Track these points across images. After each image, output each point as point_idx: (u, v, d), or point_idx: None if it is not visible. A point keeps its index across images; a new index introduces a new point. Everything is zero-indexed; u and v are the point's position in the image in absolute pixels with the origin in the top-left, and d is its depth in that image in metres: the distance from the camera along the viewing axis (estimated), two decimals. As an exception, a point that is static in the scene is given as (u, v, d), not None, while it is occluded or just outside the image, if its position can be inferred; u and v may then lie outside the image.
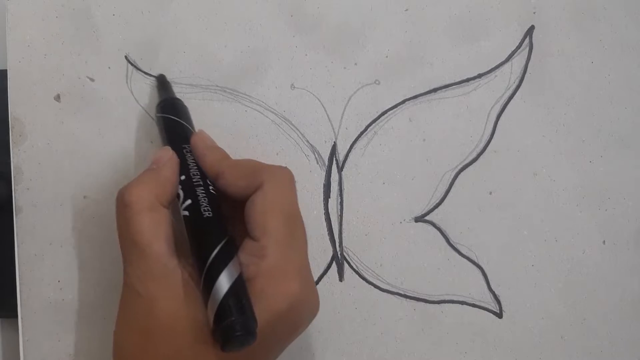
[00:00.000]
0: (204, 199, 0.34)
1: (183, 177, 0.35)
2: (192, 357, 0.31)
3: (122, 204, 0.33)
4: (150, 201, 0.33)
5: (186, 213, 0.34)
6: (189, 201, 0.34)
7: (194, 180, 0.35)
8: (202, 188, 0.34)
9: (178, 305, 0.32)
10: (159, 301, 0.32)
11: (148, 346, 0.32)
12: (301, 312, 0.34)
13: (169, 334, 0.31)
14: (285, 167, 0.36)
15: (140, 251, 0.32)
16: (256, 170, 0.35)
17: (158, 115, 0.39)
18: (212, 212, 0.33)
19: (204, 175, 0.35)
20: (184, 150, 0.36)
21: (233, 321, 0.29)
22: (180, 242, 0.34)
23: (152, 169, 0.35)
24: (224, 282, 0.30)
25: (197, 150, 0.36)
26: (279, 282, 0.32)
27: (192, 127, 0.39)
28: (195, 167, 0.35)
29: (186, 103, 0.41)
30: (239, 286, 0.31)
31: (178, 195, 0.35)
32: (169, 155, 0.36)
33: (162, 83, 0.41)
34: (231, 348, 0.30)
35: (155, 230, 0.32)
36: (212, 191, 0.35)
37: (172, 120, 0.38)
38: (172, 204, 0.35)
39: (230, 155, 0.41)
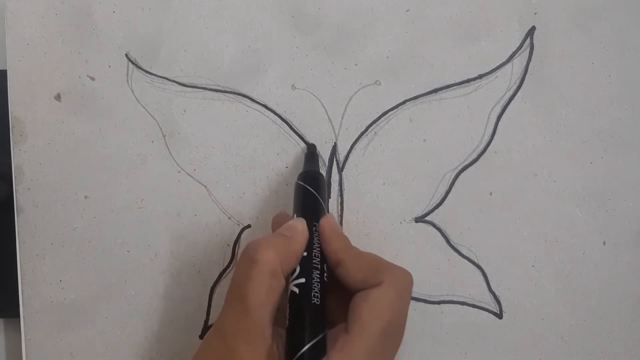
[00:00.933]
0: (317, 284, 0.34)
1: (305, 254, 0.35)
2: None
3: (250, 259, 0.33)
4: (275, 267, 0.33)
5: (296, 290, 0.34)
6: (302, 279, 0.34)
7: (313, 261, 0.35)
8: (318, 271, 0.35)
9: None
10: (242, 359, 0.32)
11: None
12: None
13: None
14: (407, 272, 0.35)
15: (248, 309, 0.32)
16: (378, 268, 0.35)
17: (300, 183, 0.38)
18: (319, 299, 0.34)
19: (323, 259, 0.36)
20: (314, 228, 0.36)
21: None
22: (279, 308, 0.34)
23: (286, 237, 0.35)
24: None
25: (324, 233, 0.36)
26: None
27: (327, 206, 0.39)
28: (318, 249, 0.36)
29: (187, 102, 0.42)
30: None
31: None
32: (302, 227, 0.36)
33: (312, 154, 0.41)
34: None
35: (269, 296, 0.33)
36: (325, 279, 0.35)
37: (311, 194, 0.38)
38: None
39: (231, 155, 0.42)
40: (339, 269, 0.35)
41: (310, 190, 0.38)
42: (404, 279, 0.35)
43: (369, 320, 0.33)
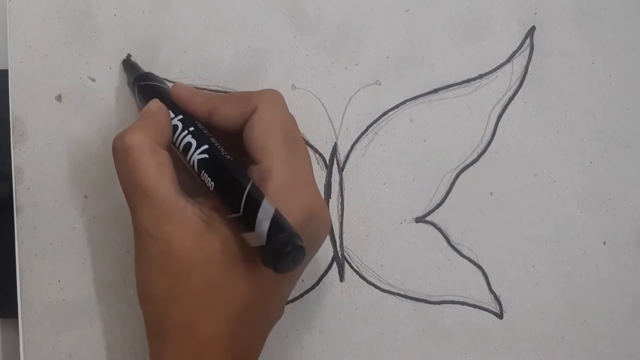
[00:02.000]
0: (219, 145, 0.34)
1: (192, 129, 0.35)
2: (225, 286, 0.32)
3: (122, 149, 0.33)
4: (151, 144, 0.33)
5: (205, 156, 0.33)
6: (205, 146, 0.34)
7: (202, 130, 0.35)
8: (212, 136, 0.35)
9: (198, 240, 0.32)
10: (177, 239, 0.32)
11: (177, 286, 0.32)
12: (317, 226, 0.34)
13: (195, 269, 0.32)
14: (274, 89, 0.36)
15: (149, 194, 0.32)
16: (248, 96, 0.35)
17: (138, 85, 0.38)
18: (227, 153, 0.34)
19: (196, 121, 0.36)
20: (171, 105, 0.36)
21: (285, 238, 0.30)
22: (183, 183, 0.34)
23: (145, 117, 0.35)
24: (268, 207, 0.30)
25: (182, 98, 0.36)
26: (290, 199, 0.32)
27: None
28: (192, 119, 0.36)
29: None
30: (276, 211, 0.31)
31: (176, 142, 0.35)
32: (157, 104, 0.36)
33: (129, 64, 0.41)
34: (284, 267, 0.30)
35: (161, 171, 0.32)
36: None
37: (151, 85, 0.38)
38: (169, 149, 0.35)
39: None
40: (215, 118, 0.35)
41: (150, 83, 0.38)
42: (274, 94, 0.36)
43: (267, 139, 0.33)
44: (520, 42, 0.43)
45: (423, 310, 0.42)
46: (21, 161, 0.40)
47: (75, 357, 0.41)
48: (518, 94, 0.43)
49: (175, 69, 0.42)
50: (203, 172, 0.33)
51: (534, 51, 0.43)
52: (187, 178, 0.35)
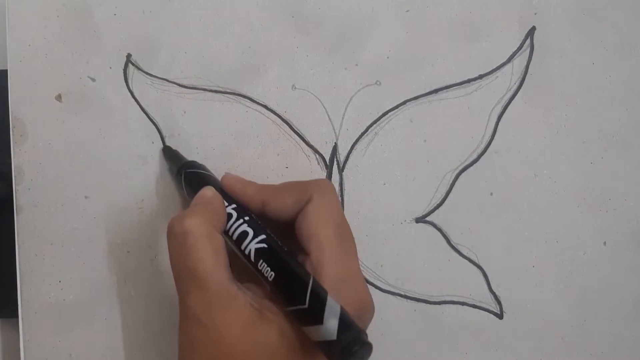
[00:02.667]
0: (274, 236, 0.34)
1: (247, 218, 0.35)
2: None
3: (180, 232, 0.32)
4: (208, 229, 0.33)
5: (264, 246, 0.34)
6: (263, 236, 0.34)
7: (252, 216, 0.35)
8: (262, 223, 0.35)
9: (250, 329, 0.31)
10: (229, 328, 0.31)
11: None
12: (367, 317, 0.34)
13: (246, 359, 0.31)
14: (325, 179, 0.39)
15: (202, 279, 0.31)
16: (302, 187, 0.36)
17: (185, 172, 0.39)
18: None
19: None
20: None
21: (355, 335, 0.30)
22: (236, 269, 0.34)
23: (201, 203, 0.35)
24: (333, 303, 0.31)
25: (235, 189, 0.36)
26: (345, 293, 0.32)
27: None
28: (245, 209, 0.36)
29: (187, 104, 0.42)
30: (342, 307, 0.31)
31: (229, 231, 0.35)
32: (212, 191, 0.35)
33: (171, 152, 0.41)
34: None
35: (216, 258, 0.32)
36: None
37: (199, 174, 0.39)
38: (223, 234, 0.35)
39: (231, 156, 0.42)
40: (269, 208, 0.36)
41: (197, 171, 0.38)
42: (327, 185, 0.36)
43: (320, 231, 0.34)
44: (520, 42, 0.43)
45: (423, 310, 0.42)
46: (21, 161, 0.40)
47: (75, 357, 0.41)
48: (518, 94, 0.43)
49: (175, 68, 0.42)
50: (261, 261, 0.33)
51: (534, 51, 0.43)
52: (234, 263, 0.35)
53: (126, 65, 0.41)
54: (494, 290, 0.43)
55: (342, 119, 0.42)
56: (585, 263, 0.43)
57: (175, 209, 0.41)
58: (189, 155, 0.41)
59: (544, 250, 0.43)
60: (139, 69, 0.42)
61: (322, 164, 0.42)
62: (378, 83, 0.43)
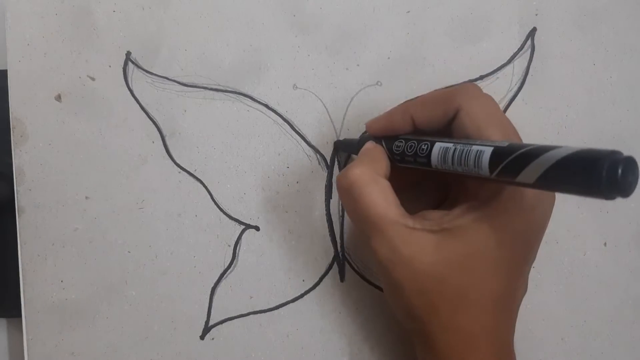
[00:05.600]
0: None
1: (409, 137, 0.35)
2: (476, 284, 0.32)
3: (346, 185, 0.34)
4: (371, 174, 0.34)
5: (450, 145, 0.32)
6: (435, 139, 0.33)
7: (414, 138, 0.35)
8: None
9: (438, 252, 0.32)
10: (418, 259, 0.32)
11: (433, 301, 0.32)
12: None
13: (443, 280, 0.32)
14: (471, 83, 0.39)
15: (378, 221, 0.33)
16: (448, 96, 0.34)
17: (336, 142, 0.42)
18: None
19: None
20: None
21: (607, 153, 0.25)
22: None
23: (362, 155, 0.36)
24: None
25: (380, 125, 0.37)
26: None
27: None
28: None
29: (187, 102, 0.41)
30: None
31: (404, 157, 0.35)
32: (372, 144, 0.37)
33: (342, 144, 0.42)
34: (624, 184, 0.25)
35: (385, 198, 0.33)
36: None
37: (348, 140, 0.41)
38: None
39: (232, 155, 0.41)
40: (418, 122, 0.35)
41: (346, 139, 0.41)
42: (474, 89, 0.35)
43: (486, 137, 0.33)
44: (521, 43, 0.43)
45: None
46: (22, 162, 0.40)
47: (77, 355, 0.41)
48: (519, 95, 0.43)
49: (175, 66, 0.41)
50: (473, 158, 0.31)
51: (534, 52, 0.43)
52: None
53: (126, 64, 0.41)
54: (494, 290, 0.43)
55: (343, 119, 0.42)
56: (585, 264, 0.43)
57: (175, 208, 0.41)
58: (189, 154, 0.41)
59: (544, 251, 0.43)
60: (138, 67, 0.41)
61: (323, 163, 0.42)
62: (379, 83, 0.42)
